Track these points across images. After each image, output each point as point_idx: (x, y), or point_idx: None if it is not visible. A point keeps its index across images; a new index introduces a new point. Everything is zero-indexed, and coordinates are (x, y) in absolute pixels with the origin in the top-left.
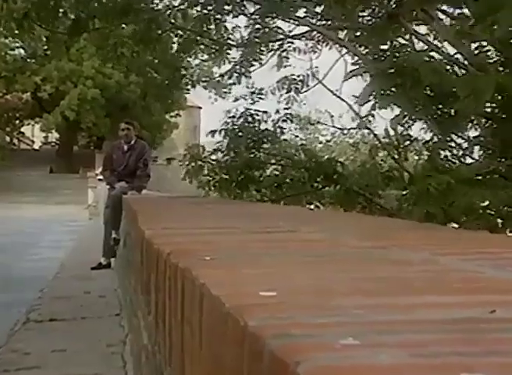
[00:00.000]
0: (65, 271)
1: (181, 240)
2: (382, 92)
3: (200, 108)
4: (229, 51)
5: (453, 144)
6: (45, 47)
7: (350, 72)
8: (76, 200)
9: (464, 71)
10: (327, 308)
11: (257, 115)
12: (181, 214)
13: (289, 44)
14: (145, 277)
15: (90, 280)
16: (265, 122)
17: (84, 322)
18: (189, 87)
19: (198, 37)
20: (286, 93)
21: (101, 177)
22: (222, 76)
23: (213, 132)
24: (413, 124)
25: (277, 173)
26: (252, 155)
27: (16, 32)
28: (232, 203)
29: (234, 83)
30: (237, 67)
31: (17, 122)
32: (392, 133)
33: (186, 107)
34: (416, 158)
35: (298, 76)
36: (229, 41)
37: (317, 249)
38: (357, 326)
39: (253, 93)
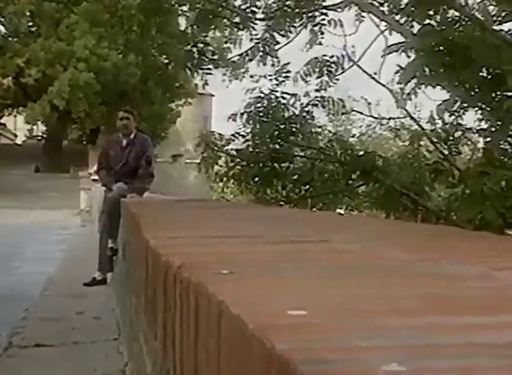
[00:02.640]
0: (54, 287)
1: (193, 250)
2: (428, 71)
3: (213, 95)
4: (255, 22)
5: None
6: (30, 23)
7: (391, 45)
8: (67, 204)
9: None
10: (366, 329)
11: (284, 98)
12: (191, 220)
13: (323, 17)
14: (150, 295)
15: (82, 299)
16: (293, 106)
17: (76, 347)
18: (210, 66)
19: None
20: (318, 77)
21: (95, 177)
22: (245, 54)
23: (234, 115)
24: (464, 113)
25: (306, 167)
26: (278, 146)
27: None
28: (250, 207)
29: (262, 71)
30: (260, 45)
31: None
32: (438, 121)
33: (196, 94)
34: (469, 152)
35: (331, 56)
36: (254, 8)
37: (353, 262)
38: (400, 349)
39: (278, 71)
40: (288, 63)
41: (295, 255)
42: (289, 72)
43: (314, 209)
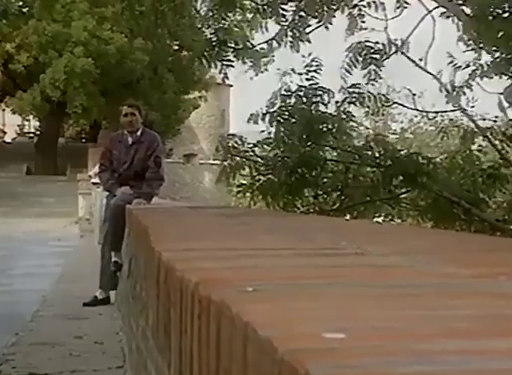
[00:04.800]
0: (49, 308)
1: (212, 265)
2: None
3: (231, 86)
4: (284, 4)
5: None
6: (21, 3)
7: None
8: (63, 212)
9: None
10: (411, 353)
11: (316, 95)
12: (209, 230)
13: None
14: (162, 316)
15: (82, 321)
16: (325, 105)
17: None
18: (231, 57)
19: None
20: (364, 68)
21: (96, 181)
22: (272, 40)
23: (254, 116)
24: None
25: (339, 171)
26: (308, 149)
27: None
28: (276, 215)
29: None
30: (288, 30)
31: None
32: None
33: (212, 86)
34: None
35: (376, 42)
36: None
37: (395, 278)
38: None
39: (308, 66)
40: (315, 58)
41: (328, 270)
42: (320, 65)
43: (347, 218)
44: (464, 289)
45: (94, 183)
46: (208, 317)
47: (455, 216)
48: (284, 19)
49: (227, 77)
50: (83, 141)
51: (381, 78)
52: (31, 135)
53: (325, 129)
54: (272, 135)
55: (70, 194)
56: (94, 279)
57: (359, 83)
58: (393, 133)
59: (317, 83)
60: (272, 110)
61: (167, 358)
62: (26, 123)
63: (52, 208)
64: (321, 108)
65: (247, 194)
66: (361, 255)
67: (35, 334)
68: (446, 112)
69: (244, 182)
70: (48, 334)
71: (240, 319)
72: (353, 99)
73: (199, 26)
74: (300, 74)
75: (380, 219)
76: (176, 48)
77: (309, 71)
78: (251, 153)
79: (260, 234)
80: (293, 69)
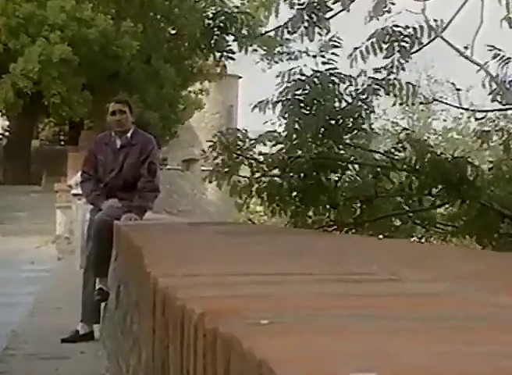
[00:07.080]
0: (21, 345)
1: (219, 292)
2: None
3: (240, 77)
4: None
5: None
6: None
7: None
8: (37, 229)
9: None
10: None
11: (335, 83)
12: (214, 251)
13: None
14: (159, 353)
15: (60, 361)
16: (348, 95)
17: None
18: (233, 47)
19: None
20: (386, 57)
21: (78, 191)
22: (284, 26)
23: (262, 104)
24: None
25: (365, 177)
26: (325, 148)
27: None
28: (292, 233)
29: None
30: (304, 14)
31: None
32: None
33: (217, 77)
34: None
35: (406, 27)
36: None
37: (435, 309)
38: None
39: (326, 45)
40: (335, 37)
41: (357, 300)
42: (337, 44)
43: (381, 236)
44: None
45: (74, 195)
46: (215, 354)
47: (507, 232)
48: (299, 3)
49: (225, 68)
50: (62, 143)
51: (404, 70)
52: None
53: (348, 124)
54: (278, 129)
55: (46, 208)
56: (74, 310)
57: (381, 68)
58: (434, 134)
59: (335, 68)
60: (283, 99)
61: None
62: None
63: (24, 225)
64: (344, 98)
65: (243, 195)
66: (396, 282)
67: None
68: (499, 110)
69: (241, 181)
70: None
71: (252, 356)
72: (376, 87)
73: (199, 7)
74: (315, 57)
75: (416, 238)
76: (173, 32)
77: (325, 54)
78: (254, 150)
79: (275, 257)
80: (305, 52)
